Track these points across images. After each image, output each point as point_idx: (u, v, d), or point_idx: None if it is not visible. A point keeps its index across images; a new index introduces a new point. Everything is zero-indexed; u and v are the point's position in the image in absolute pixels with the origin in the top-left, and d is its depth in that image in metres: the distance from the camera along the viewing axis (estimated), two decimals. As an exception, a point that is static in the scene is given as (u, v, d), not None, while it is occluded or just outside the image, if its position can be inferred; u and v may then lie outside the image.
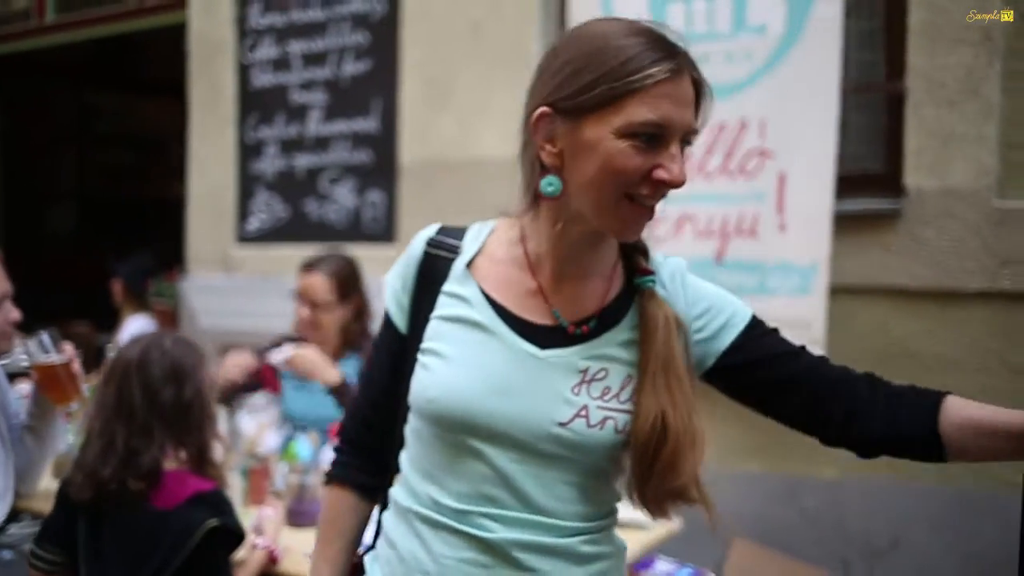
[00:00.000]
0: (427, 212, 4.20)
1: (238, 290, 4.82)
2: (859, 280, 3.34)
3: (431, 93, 4.29)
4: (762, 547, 3.47)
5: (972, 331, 3.18)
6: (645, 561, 3.01)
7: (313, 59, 4.70)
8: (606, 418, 1.28)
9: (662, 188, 1.22)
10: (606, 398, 1.29)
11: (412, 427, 1.37)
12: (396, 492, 1.39)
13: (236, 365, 3.18)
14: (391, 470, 1.44)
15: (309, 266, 3.16)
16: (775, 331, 1.41)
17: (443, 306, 1.36)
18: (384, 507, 1.44)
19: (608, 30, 1.23)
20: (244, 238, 4.96)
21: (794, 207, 3.28)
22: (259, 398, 3.09)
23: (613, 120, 1.20)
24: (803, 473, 3.35)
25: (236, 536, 2.12)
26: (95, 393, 2.21)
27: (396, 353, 1.41)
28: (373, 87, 4.51)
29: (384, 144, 4.46)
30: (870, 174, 3.41)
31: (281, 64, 4.82)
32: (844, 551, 3.36)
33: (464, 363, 1.30)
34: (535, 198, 1.33)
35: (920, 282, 3.25)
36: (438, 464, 1.32)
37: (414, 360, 1.36)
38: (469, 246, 1.39)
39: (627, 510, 2.93)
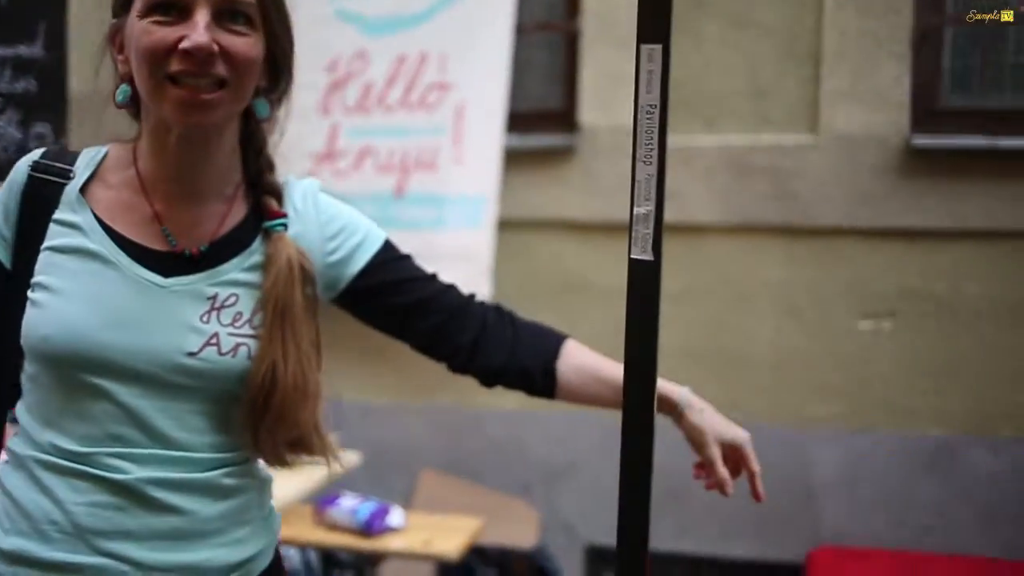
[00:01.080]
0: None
1: None
2: (537, 213, 3.44)
3: (105, 16, 3.99)
4: (450, 476, 3.56)
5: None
6: (329, 498, 3.01)
7: (-34, -25, 4.25)
8: (238, 344, 1.24)
9: (189, 60, 1.17)
10: (237, 324, 1.25)
11: (28, 373, 1.27)
12: (13, 443, 1.29)
13: None
14: None
15: None
16: (408, 256, 1.43)
17: (54, 236, 1.26)
18: None
19: None
20: None
21: (471, 141, 3.33)
22: None
23: (137, 5, 1.20)
24: (489, 405, 3.44)
25: None
26: None
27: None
28: (38, 8, 4.14)
29: (51, 72, 4.11)
30: (548, 111, 3.51)
31: (-73, -21, 4.32)
32: (526, 476, 3.49)
33: (80, 296, 1.22)
34: (137, 117, 1.29)
35: (593, 215, 3.40)
36: (58, 409, 1.23)
37: (24, 298, 1.25)
38: (82, 171, 1.30)
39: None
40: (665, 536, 3.27)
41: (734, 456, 1.41)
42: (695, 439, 1.41)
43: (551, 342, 1.44)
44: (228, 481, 1.29)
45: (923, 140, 3.16)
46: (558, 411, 3.50)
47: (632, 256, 1.09)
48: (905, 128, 3.19)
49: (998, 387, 3.15)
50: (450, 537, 3.00)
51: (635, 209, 1.07)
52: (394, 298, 1.39)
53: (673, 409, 1.42)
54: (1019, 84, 3.26)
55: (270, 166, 1.34)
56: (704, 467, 1.42)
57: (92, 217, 1.26)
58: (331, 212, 1.37)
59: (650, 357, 1.12)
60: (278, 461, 1.31)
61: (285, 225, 1.31)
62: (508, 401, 3.51)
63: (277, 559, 1.42)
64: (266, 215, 1.31)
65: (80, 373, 1.21)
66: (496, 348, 1.41)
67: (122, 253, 1.24)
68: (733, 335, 3.36)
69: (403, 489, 3.53)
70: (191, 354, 1.22)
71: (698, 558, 3.35)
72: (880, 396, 3.24)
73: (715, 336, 3.35)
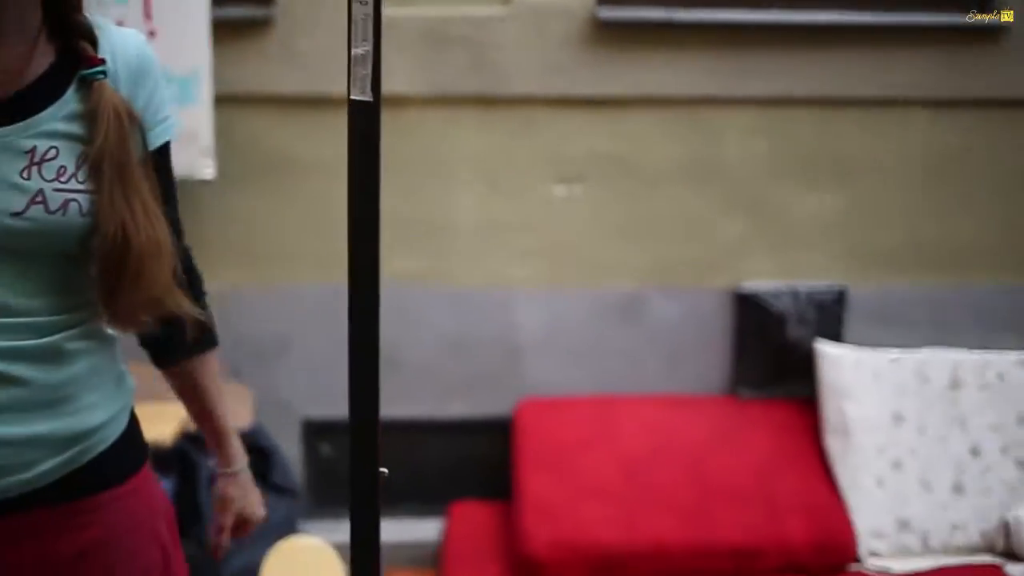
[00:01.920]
0: None
1: None
2: (241, 88, 3.33)
3: None
4: (149, 366, 3.45)
5: (343, 135, 3.35)
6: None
7: None
8: (67, 200, 1.18)
9: None
10: (63, 179, 1.18)
11: None
12: None
13: None
14: None
15: None
16: (172, 171, 1.39)
17: None
18: None
19: None
20: None
21: (165, 13, 3.14)
22: None
23: None
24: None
25: None
26: None
27: None
28: None
29: None
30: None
31: None
32: (236, 358, 3.44)
33: None
34: None
35: (294, 88, 3.34)
36: None
37: None
38: None
39: None
40: (382, 402, 3.36)
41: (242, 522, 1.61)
42: (223, 504, 1.58)
43: (209, 336, 1.50)
44: (72, 345, 1.24)
45: (607, 13, 3.33)
46: (267, 290, 3.48)
47: (351, 97, 1.11)
48: (591, 1, 3.34)
49: (676, 241, 3.45)
50: (161, 424, 2.94)
51: (353, 50, 1.09)
52: None
53: (227, 464, 1.58)
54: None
55: (77, 5, 1.23)
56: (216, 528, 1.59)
57: None
58: (153, 77, 1.29)
59: (373, 199, 1.16)
60: (134, 324, 1.28)
61: (104, 72, 1.21)
62: (214, 283, 3.42)
63: (133, 423, 1.39)
64: (81, 62, 1.21)
65: None
66: None
67: None
68: (436, 204, 3.44)
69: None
70: (16, 214, 1.15)
71: (415, 421, 3.47)
72: (575, 255, 3.46)
73: (418, 206, 3.42)
